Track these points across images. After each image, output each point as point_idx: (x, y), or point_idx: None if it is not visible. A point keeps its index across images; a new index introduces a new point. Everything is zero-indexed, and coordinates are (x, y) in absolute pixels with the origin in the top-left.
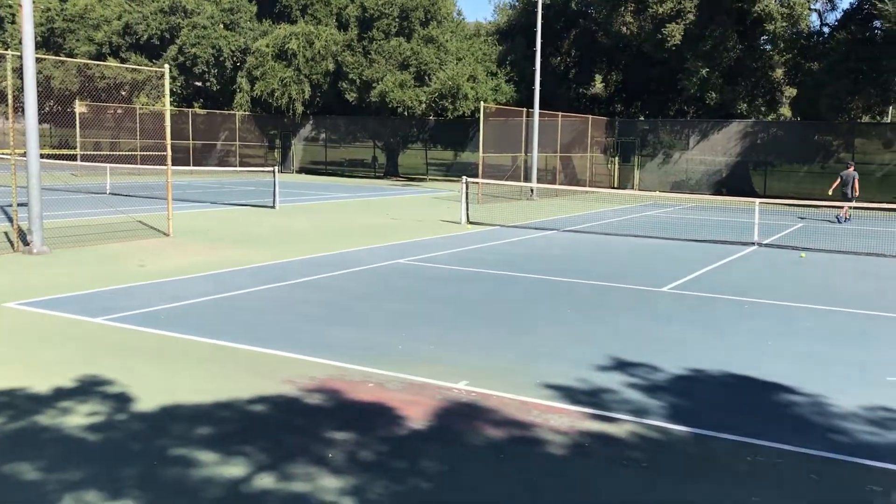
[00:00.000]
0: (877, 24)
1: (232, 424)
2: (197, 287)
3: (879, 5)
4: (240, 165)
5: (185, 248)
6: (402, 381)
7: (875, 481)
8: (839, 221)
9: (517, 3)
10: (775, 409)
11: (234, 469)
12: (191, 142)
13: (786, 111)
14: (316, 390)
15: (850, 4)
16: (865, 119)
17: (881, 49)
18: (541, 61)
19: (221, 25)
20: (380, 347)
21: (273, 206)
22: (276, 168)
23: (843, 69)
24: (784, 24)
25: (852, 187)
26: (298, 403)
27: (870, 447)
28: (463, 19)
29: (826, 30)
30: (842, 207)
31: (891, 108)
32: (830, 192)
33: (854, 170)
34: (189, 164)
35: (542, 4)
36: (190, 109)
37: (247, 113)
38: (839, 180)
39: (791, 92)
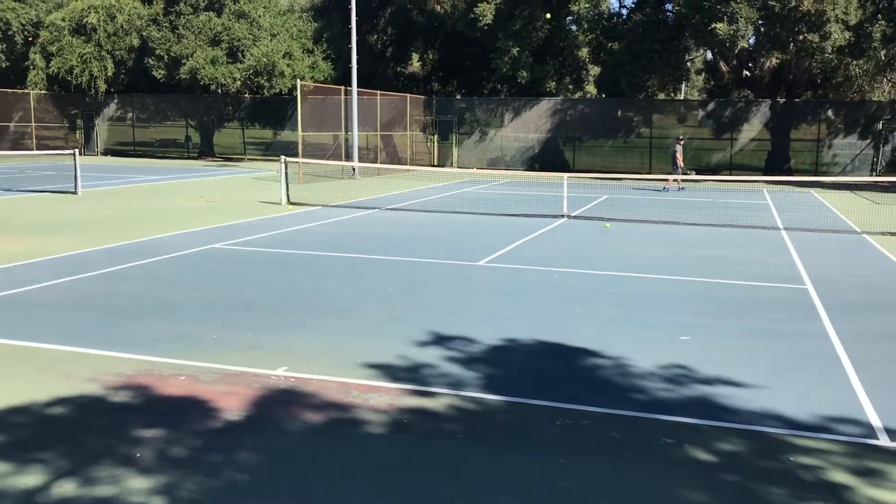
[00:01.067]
0: (668, 6)
1: (27, 430)
2: None
3: None
4: (37, 148)
5: None
6: (216, 372)
7: (669, 434)
8: (665, 191)
9: None
10: (582, 373)
11: (30, 478)
12: None
13: (591, 89)
14: (122, 387)
15: None
16: (661, 96)
17: (672, 31)
18: (357, 39)
19: None
20: (192, 338)
21: (75, 192)
22: (78, 150)
23: (639, 49)
24: (587, 5)
25: (675, 159)
26: (103, 402)
27: (664, 403)
28: None
29: (624, 12)
30: (666, 179)
31: (683, 85)
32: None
33: (680, 143)
34: None
35: None
36: None
37: (43, 92)
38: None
39: (595, 70)
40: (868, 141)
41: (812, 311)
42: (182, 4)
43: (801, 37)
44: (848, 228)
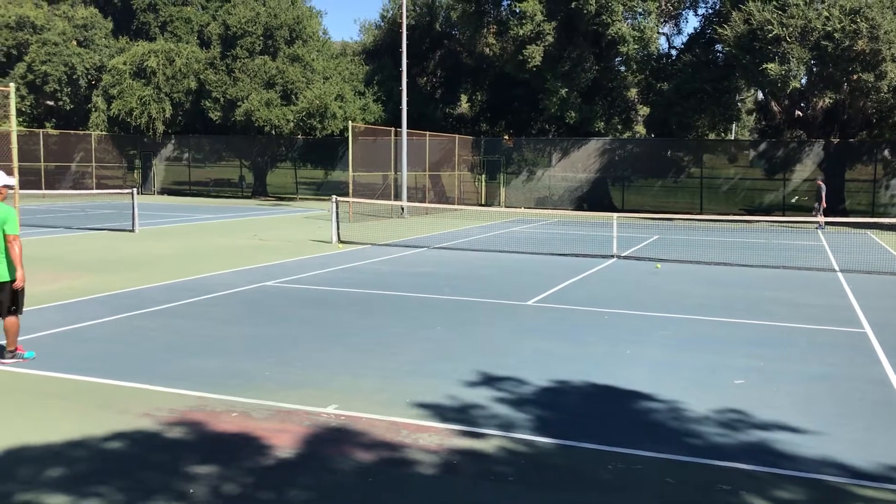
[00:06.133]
0: (718, 47)
1: (85, 464)
2: (45, 318)
3: (720, 30)
4: (97, 188)
5: (34, 277)
6: (268, 409)
7: (725, 481)
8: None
9: (382, 24)
10: (634, 415)
11: None
12: (42, 164)
13: (640, 129)
14: (176, 423)
15: (694, 29)
16: (711, 136)
17: (722, 71)
18: (408, 81)
19: (74, 42)
20: (244, 375)
21: (132, 230)
22: (136, 189)
23: (689, 89)
24: (636, 46)
25: (820, 199)
26: (157, 438)
27: (720, 448)
28: (329, 39)
29: (674, 52)
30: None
31: (734, 125)
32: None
33: (821, 182)
34: (41, 188)
35: (408, 25)
36: (41, 130)
37: (104, 133)
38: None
39: (644, 110)
40: None
41: (872, 355)
42: (238, 49)
43: (855, 77)
44: None
